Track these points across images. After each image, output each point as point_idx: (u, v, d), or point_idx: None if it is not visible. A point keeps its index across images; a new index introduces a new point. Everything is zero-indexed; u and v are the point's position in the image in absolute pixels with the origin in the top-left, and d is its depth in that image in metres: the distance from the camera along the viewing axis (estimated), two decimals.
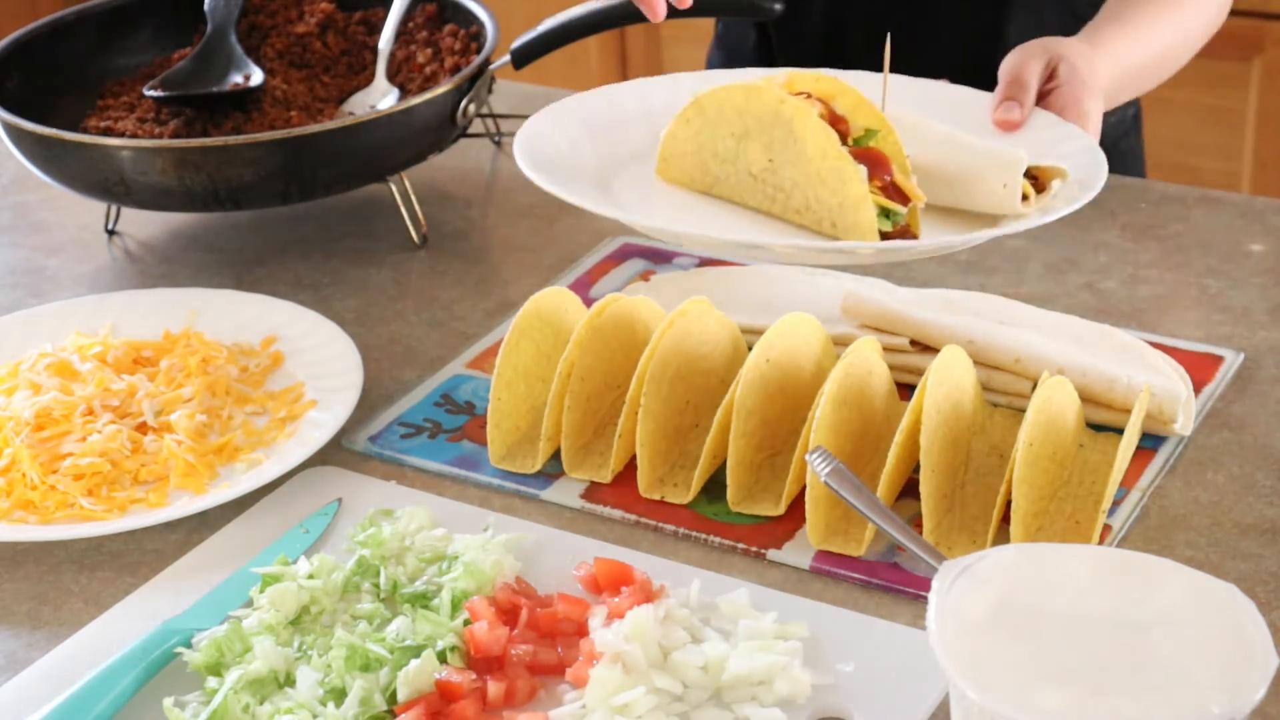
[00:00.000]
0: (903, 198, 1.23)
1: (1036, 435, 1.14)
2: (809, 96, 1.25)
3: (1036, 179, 1.27)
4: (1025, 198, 1.25)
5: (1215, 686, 0.86)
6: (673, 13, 1.38)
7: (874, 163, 1.21)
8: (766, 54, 1.81)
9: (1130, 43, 1.45)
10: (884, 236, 1.22)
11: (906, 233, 1.24)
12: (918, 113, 1.33)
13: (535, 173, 1.23)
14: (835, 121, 1.24)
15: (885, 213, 1.22)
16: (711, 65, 1.91)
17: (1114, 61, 1.42)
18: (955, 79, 1.44)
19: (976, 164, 1.27)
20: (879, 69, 1.32)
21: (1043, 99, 1.37)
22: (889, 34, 1.30)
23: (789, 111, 1.22)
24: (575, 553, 1.16)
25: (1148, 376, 1.24)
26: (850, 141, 1.25)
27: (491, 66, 1.59)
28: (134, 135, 1.57)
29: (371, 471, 1.27)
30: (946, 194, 1.29)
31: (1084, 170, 1.26)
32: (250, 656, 1.05)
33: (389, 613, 1.10)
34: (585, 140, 1.33)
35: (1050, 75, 1.38)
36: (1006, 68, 1.37)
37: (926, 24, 1.71)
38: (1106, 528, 1.16)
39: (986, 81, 1.41)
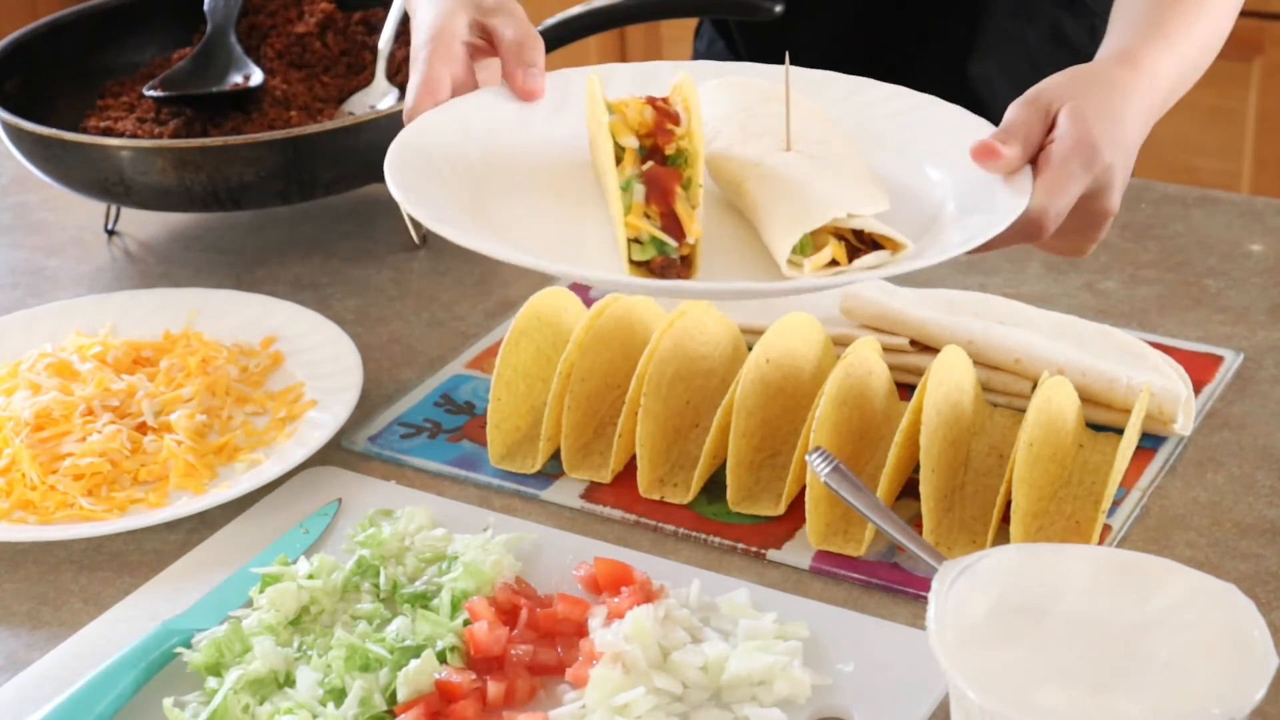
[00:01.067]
0: (680, 232, 1.07)
1: (1036, 435, 1.14)
2: (652, 102, 1.11)
3: (863, 239, 1.07)
4: (835, 262, 1.05)
5: (1215, 686, 0.86)
6: (673, 12, 1.37)
7: (656, 187, 1.07)
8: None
9: (1170, 56, 1.23)
10: (647, 265, 1.07)
11: (675, 267, 1.07)
12: (860, 126, 1.18)
13: (401, 191, 1.09)
14: (659, 134, 1.10)
15: (658, 245, 1.07)
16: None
17: (1153, 81, 1.20)
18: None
19: (778, 202, 1.09)
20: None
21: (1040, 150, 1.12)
22: (787, 54, 1.13)
23: (601, 115, 1.11)
24: (575, 553, 1.16)
25: (1148, 376, 1.24)
26: (667, 158, 1.10)
27: None
28: (134, 135, 1.57)
29: (371, 471, 1.27)
30: (754, 221, 1.12)
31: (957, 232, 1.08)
32: (250, 656, 1.05)
33: (389, 613, 1.10)
34: (477, 144, 1.18)
35: (1050, 126, 1.12)
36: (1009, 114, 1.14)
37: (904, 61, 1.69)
38: (1106, 528, 1.16)
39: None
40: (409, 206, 1.07)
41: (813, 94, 1.19)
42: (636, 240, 1.07)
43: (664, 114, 1.10)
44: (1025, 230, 1.08)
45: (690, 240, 1.07)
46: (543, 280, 1.48)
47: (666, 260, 1.07)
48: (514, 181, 1.17)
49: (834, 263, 1.05)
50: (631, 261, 1.07)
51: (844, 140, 1.15)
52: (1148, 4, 1.26)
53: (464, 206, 1.12)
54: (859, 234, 1.06)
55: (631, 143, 1.10)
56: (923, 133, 1.17)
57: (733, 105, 1.18)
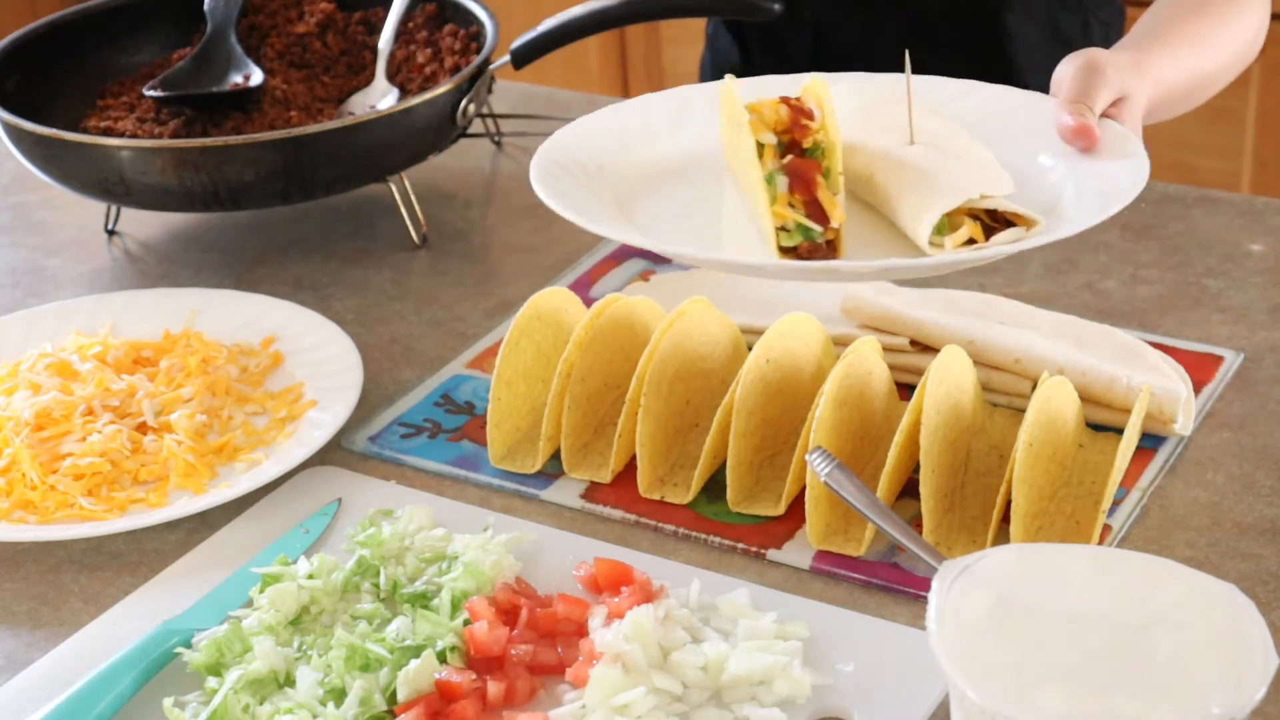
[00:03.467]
0: (824, 218, 1.16)
1: (1036, 435, 1.14)
2: (786, 101, 1.19)
3: (996, 219, 1.16)
4: (972, 240, 1.14)
5: (1215, 686, 0.86)
6: (673, 12, 1.38)
7: (798, 177, 1.16)
8: (748, 61, 1.81)
9: (1174, 69, 1.35)
10: (793, 252, 1.15)
11: (821, 250, 1.16)
12: (970, 119, 1.27)
13: (551, 199, 1.18)
14: (795, 129, 1.18)
15: (805, 231, 1.15)
16: (704, 67, 1.92)
17: (1156, 86, 1.32)
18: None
19: (914, 188, 1.18)
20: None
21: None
22: (907, 50, 1.24)
23: (739, 115, 1.18)
24: (575, 553, 1.16)
25: (1148, 376, 1.24)
26: (805, 150, 1.18)
27: (491, 66, 1.59)
28: (134, 135, 1.57)
29: (371, 471, 1.27)
30: (887, 211, 1.21)
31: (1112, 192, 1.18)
32: (250, 656, 1.05)
33: (389, 613, 1.10)
34: (612, 154, 1.28)
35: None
36: (1065, 81, 1.26)
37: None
38: (1106, 528, 1.16)
39: None
40: (563, 212, 1.16)
41: (928, 94, 1.28)
42: (783, 229, 1.15)
43: (798, 111, 1.18)
44: None
45: (834, 225, 1.15)
46: (543, 281, 1.48)
47: (813, 245, 1.15)
48: (649, 186, 1.26)
49: (971, 241, 1.14)
50: (780, 248, 1.15)
51: (962, 133, 1.24)
52: (1162, 19, 1.38)
53: (608, 210, 1.21)
54: (991, 214, 1.15)
55: (770, 139, 1.17)
56: (1032, 125, 1.26)
57: (852, 107, 1.26)
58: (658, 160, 1.28)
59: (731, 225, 1.24)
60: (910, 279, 1.22)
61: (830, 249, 1.16)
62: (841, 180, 1.17)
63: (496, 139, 1.75)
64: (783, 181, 1.16)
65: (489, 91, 1.62)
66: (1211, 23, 1.42)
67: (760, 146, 1.17)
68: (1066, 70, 1.27)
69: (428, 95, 1.50)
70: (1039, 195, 1.20)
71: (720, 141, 1.27)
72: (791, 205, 1.16)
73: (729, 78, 1.23)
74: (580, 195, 1.21)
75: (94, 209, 1.65)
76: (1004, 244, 1.13)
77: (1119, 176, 1.19)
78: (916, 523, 1.16)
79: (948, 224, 1.15)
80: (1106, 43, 1.62)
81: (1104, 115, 1.25)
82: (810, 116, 1.18)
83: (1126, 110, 1.26)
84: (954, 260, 1.12)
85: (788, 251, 1.16)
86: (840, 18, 1.74)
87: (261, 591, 1.11)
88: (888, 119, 1.25)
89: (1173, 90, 1.36)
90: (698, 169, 1.28)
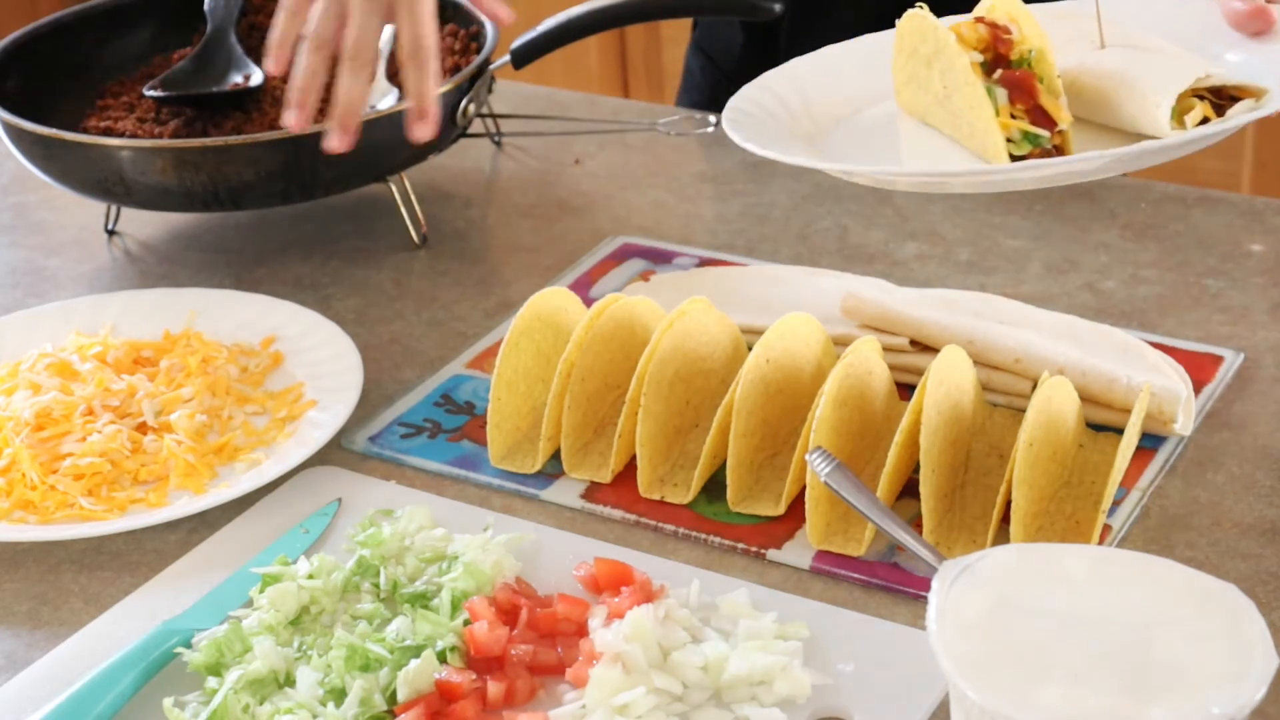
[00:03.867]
0: (1049, 121, 1.18)
1: (1036, 435, 1.14)
2: (981, 20, 1.21)
3: (1222, 97, 1.18)
4: (1206, 120, 1.16)
5: (1215, 686, 0.86)
6: (673, 12, 1.38)
7: (1017, 87, 1.18)
8: (757, 57, 1.81)
9: None
10: (1024, 160, 1.17)
11: (1050, 154, 1.18)
12: (1134, 26, 1.27)
13: (744, 140, 1.19)
14: (998, 44, 1.20)
15: (1032, 139, 1.18)
16: (689, 70, 1.92)
17: None
18: None
19: (1135, 79, 1.19)
20: None
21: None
22: None
23: (943, 37, 1.20)
24: (575, 553, 1.16)
25: (1148, 376, 1.24)
26: (1012, 63, 1.20)
27: (491, 66, 1.60)
28: (134, 135, 1.57)
29: (371, 471, 1.27)
30: (1103, 113, 1.21)
31: None
32: (250, 656, 1.05)
33: (389, 613, 1.10)
34: (797, 101, 1.29)
35: None
36: None
37: None
38: (1106, 528, 1.16)
39: None
40: (760, 150, 1.17)
41: (1101, 10, 1.26)
42: (1009, 140, 1.17)
43: (995, 27, 1.19)
44: None
45: (1062, 126, 1.17)
46: (543, 281, 1.48)
47: (1042, 151, 1.17)
48: (843, 126, 1.28)
49: (1205, 121, 1.15)
50: (1011, 158, 1.16)
51: (1143, 35, 1.24)
52: None
53: (804, 149, 1.23)
54: (1217, 94, 1.17)
55: (976, 57, 1.19)
56: (1207, 26, 1.25)
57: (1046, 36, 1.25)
58: (840, 107, 1.30)
59: (916, 154, 1.25)
60: (1150, 165, 1.19)
61: (1059, 152, 1.17)
62: (1060, 83, 1.18)
63: (496, 139, 1.75)
64: (1002, 94, 1.18)
65: (489, 91, 1.62)
66: None
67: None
68: None
69: None
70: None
71: (893, 82, 1.27)
72: (1014, 116, 1.18)
73: (919, 5, 1.23)
74: (772, 135, 1.22)
75: (94, 209, 1.65)
76: (1244, 113, 1.14)
77: None
78: (916, 523, 1.16)
79: (1176, 110, 1.16)
80: None
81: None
82: (1008, 32, 1.19)
83: None
84: (1203, 135, 1.12)
85: (1018, 161, 1.16)
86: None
87: (261, 591, 1.11)
88: (1064, 34, 1.24)
89: None
90: (878, 115, 1.29)
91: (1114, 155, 1.11)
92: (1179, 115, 1.16)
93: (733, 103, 1.25)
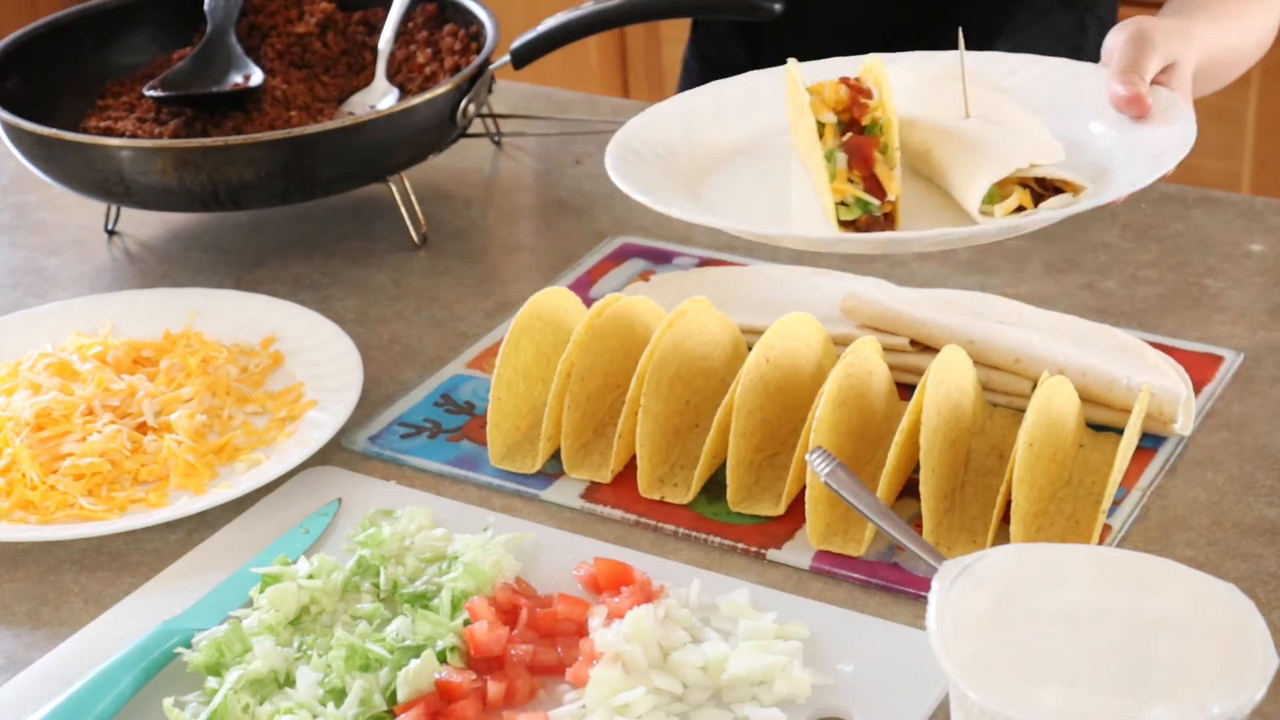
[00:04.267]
0: (881, 191, 1.21)
1: (1036, 435, 1.14)
2: (845, 81, 1.24)
3: (1046, 187, 1.21)
4: (1021, 208, 1.19)
5: (1215, 686, 0.86)
6: (673, 12, 1.39)
7: (856, 154, 1.22)
8: (754, 56, 1.81)
9: (1217, 38, 1.38)
10: (853, 224, 1.21)
11: (879, 224, 1.22)
12: (1017, 94, 1.31)
13: (624, 182, 1.24)
14: (855, 107, 1.23)
15: (863, 205, 1.21)
16: (688, 72, 1.92)
17: (1200, 54, 1.34)
18: None
19: (965, 157, 1.23)
20: None
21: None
22: (960, 28, 1.30)
23: (801, 99, 1.24)
24: (575, 553, 1.16)
25: (1148, 376, 1.24)
26: (864, 128, 1.23)
27: (491, 66, 1.59)
28: (134, 135, 1.57)
29: (371, 471, 1.27)
30: (943, 182, 1.26)
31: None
32: (250, 656, 1.05)
33: (389, 613, 1.10)
34: (682, 139, 1.34)
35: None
36: (1115, 50, 1.29)
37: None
38: (1106, 528, 1.16)
39: None
40: (636, 195, 1.22)
41: (985, 70, 1.33)
42: (843, 203, 1.21)
43: (857, 90, 1.23)
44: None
45: (891, 198, 1.21)
46: (543, 281, 1.48)
47: (871, 219, 1.21)
48: (718, 168, 1.32)
49: (1021, 209, 1.19)
50: (840, 222, 1.21)
51: (1017, 106, 1.29)
52: None
53: (680, 193, 1.27)
54: (1041, 183, 1.20)
55: (830, 118, 1.22)
56: (1086, 95, 1.30)
57: (911, 84, 1.31)
58: (726, 144, 1.34)
59: (799, 202, 1.28)
60: (961, 246, 1.26)
61: (888, 221, 1.21)
62: (898, 155, 1.22)
63: (496, 139, 1.75)
64: (842, 158, 1.21)
65: (489, 91, 1.62)
66: (1244, 1, 1.45)
67: (821, 126, 1.22)
68: (1116, 40, 1.29)
69: (428, 95, 1.50)
70: (1091, 161, 1.24)
71: (786, 123, 1.31)
72: (851, 180, 1.21)
73: (791, 62, 1.27)
74: (651, 178, 1.26)
75: (94, 209, 1.65)
76: (1051, 210, 1.18)
77: (1167, 139, 1.23)
78: (916, 523, 1.16)
79: (998, 193, 1.20)
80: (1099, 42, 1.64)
81: (1154, 82, 1.28)
82: (869, 95, 1.22)
83: (1176, 77, 1.29)
84: (1002, 227, 1.17)
85: (847, 225, 1.21)
86: (848, 16, 1.75)
87: (261, 591, 1.11)
88: (946, 95, 1.29)
89: (1214, 60, 1.38)
90: (765, 150, 1.33)
91: (928, 235, 1.18)
92: (1002, 197, 1.20)
93: (619, 137, 1.30)
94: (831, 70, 1.29)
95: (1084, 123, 1.28)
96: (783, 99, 1.30)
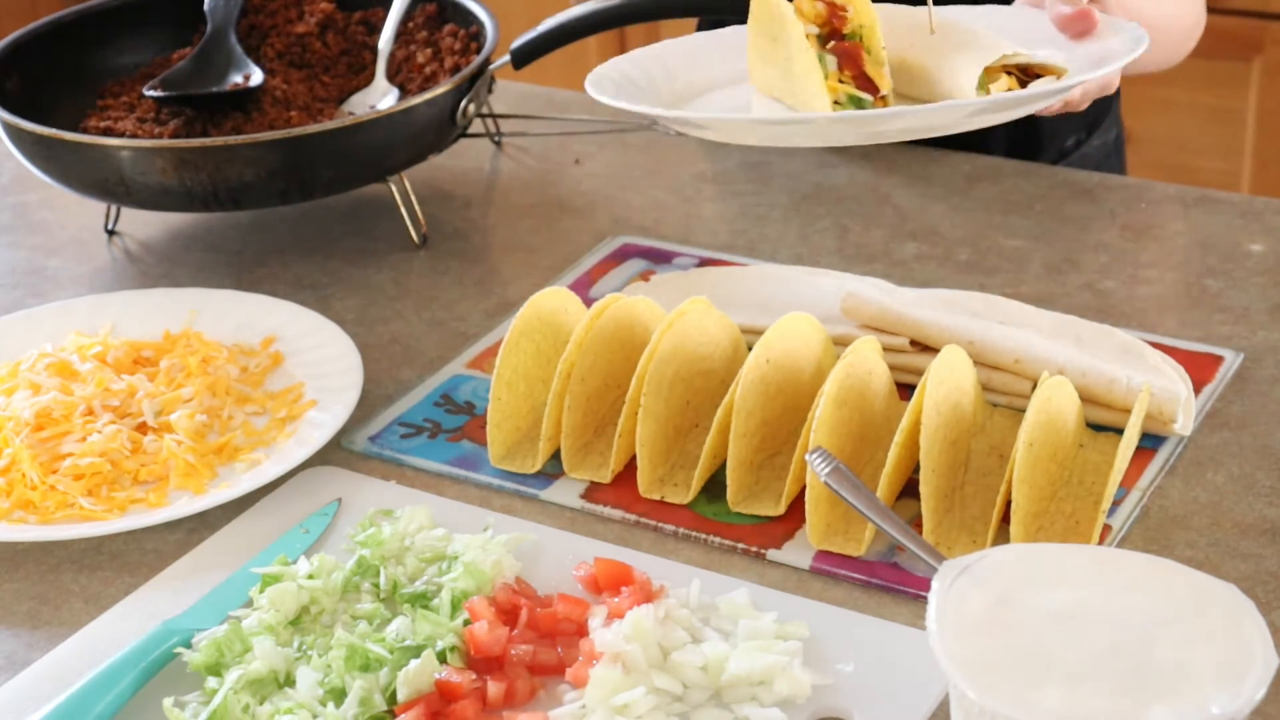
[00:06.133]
0: (873, 88, 1.28)
1: (1036, 435, 1.14)
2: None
3: (1029, 75, 1.28)
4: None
5: (1215, 686, 0.86)
6: (673, 12, 1.40)
7: (845, 55, 1.28)
8: None
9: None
10: None
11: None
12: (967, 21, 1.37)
13: (605, 97, 1.30)
14: (834, 19, 1.29)
15: (857, 101, 1.27)
16: None
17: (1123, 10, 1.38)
18: None
19: (950, 54, 1.30)
20: None
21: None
22: None
23: (784, 10, 1.28)
24: (575, 553, 1.16)
25: (1148, 376, 1.24)
26: (845, 36, 1.30)
27: (491, 66, 1.59)
28: (134, 135, 1.57)
29: (371, 471, 1.27)
30: (924, 87, 1.32)
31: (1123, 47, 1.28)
32: (250, 656, 1.05)
33: (389, 613, 1.10)
34: (660, 72, 1.41)
35: None
36: None
37: None
38: (1106, 528, 1.16)
39: None
40: (611, 102, 1.28)
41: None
42: (836, 103, 1.28)
43: (832, 6, 1.30)
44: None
45: (884, 91, 1.28)
46: (543, 281, 1.48)
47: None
48: (700, 99, 1.39)
49: (1010, 90, 1.25)
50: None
51: (970, 26, 1.34)
52: None
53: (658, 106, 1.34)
54: (1024, 71, 1.28)
55: (812, 29, 1.30)
56: (1028, 29, 1.35)
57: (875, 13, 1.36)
58: (702, 82, 1.40)
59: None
60: (956, 128, 1.27)
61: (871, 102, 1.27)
62: (885, 54, 1.28)
63: (496, 139, 1.75)
64: (832, 62, 1.28)
65: (489, 91, 1.62)
66: None
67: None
68: None
69: (428, 95, 1.50)
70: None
71: (748, 63, 1.37)
72: (842, 81, 1.28)
73: None
74: (628, 98, 1.32)
75: (94, 209, 1.65)
76: (1040, 90, 1.23)
77: (1123, 42, 1.28)
78: (916, 523, 1.16)
79: (985, 82, 1.26)
80: None
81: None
82: (844, 10, 1.29)
83: (1107, 5, 1.35)
84: (998, 101, 1.22)
85: None
86: None
87: (261, 591, 1.11)
88: (907, 19, 1.35)
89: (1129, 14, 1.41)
90: (742, 84, 1.39)
91: (927, 109, 1.22)
92: (986, 87, 1.26)
93: (601, 69, 1.36)
94: None
95: (1032, 48, 1.30)
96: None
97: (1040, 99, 1.23)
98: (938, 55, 1.30)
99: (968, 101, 1.23)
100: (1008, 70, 1.27)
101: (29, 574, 1.19)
